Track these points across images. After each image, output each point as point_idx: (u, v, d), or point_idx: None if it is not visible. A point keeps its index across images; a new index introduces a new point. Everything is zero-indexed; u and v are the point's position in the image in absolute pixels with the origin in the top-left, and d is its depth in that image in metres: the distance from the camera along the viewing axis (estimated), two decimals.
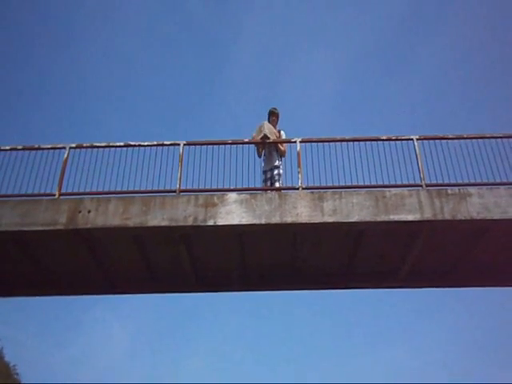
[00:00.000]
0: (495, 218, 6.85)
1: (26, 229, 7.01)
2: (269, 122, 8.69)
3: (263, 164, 8.33)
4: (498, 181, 7.34)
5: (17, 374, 26.52)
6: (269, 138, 8.14)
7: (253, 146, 8.12)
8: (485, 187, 7.15)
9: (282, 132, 8.60)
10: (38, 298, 8.68)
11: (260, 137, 8.12)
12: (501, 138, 7.66)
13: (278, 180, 8.13)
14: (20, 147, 7.86)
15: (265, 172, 8.24)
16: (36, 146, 7.84)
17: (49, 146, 7.81)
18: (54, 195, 7.37)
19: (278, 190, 7.75)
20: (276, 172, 8.20)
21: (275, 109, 8.88)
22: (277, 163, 8.29)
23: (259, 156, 8.33)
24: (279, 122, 8.85)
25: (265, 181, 8.18)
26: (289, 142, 8.14)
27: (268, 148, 8.38)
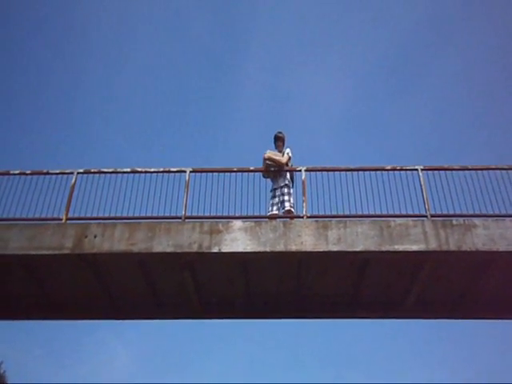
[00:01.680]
0: (501, 249, 6.82)
1: (32, 252, 7.07)
2: (275, 146, 8.77)
3: (272, 183, 8.36)
4: (503, 212, 7.33)
5: None
6: (273, 167, 8.22)
7: (258, 173, 8.16)
8: (490, 219, 7.14)
9: (287, 150, 8.60)
10: (42, 321, 8.68)
11: (264, 168, 8.24)
12: (506, 169, 7.67)
13: (289, 200, 8.05)
14: (29, 172, 7.98)
15: (274, 190, 8.24)
16: (44, 170, 7.96)
17: (57, 171, 7.93)
18: (61, 220, 7.45)
19: (284, 217, 7.78)
20: (286, 191, 8.15)
21: (280, 133, 8.90)
22: (284, 182, 8.24)
23: (272, 179, 8.37)
24: (286, 145, 8.82)
25: (272, 197, 8.16)
26: (294, 170, 8.21)
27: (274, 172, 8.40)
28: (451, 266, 7.36)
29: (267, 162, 8.28)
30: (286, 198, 8.09)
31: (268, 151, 8.47)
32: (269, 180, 8.40)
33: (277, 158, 8.39)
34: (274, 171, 8.33)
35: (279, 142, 8.81)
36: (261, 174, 8.21)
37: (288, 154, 8.54)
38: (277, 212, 8.04)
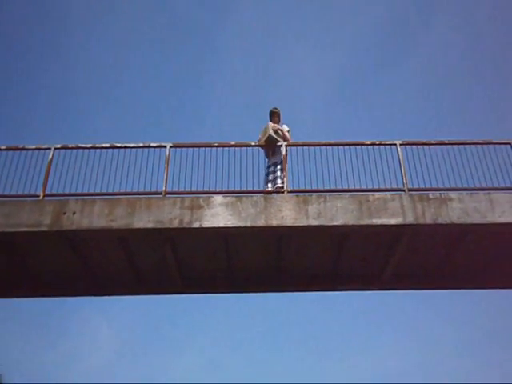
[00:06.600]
0: (474, 222, 7.02)
1: (9, 230, 6.96)
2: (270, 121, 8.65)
3: (267, 160, 8.31)
4: (477, 186, 7.51)
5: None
6: (277, 140, 8.17)
7: (239, 148, 8.08)
8: (465, 192, 7.32)
9: (284, 126, 8.57)
10: (23, 299, 8.61)
11: (265, 138, 8.15)
12: (481, 144, 7.84)
13: (280, 176, 7.98)
14: (4, 147, 7.81)
15: (268, 167, 8.23)
16: (20, 146, 7.80)
17: (33, 147, 7.77)
18: (39, 196, 7.34)
19: (264, 192, 7.78)
20: (280, 167, 8.08)
21: (276, 108, 8.78)
22: (280, 159, 8.15)
23: (267, 157, 8.30)
24: (281, 121, 8.76)
25: (267, 174, 8.15)
26: (275, 146, 8.20)
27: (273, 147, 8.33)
28: (428, 238, 7.54)
29: (272, 135, 8.13)
30: (279, 173, 8.06)
31: (269, 123, 8.39)
32: (261, 155, 8.27)
33: (286, 133, 8.34)
34: (272, 146, 8.21)
35: (275, 117, 8.71)
36: (241, 149, 8.08)
37: (289, 132, 8.52)
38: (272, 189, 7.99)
